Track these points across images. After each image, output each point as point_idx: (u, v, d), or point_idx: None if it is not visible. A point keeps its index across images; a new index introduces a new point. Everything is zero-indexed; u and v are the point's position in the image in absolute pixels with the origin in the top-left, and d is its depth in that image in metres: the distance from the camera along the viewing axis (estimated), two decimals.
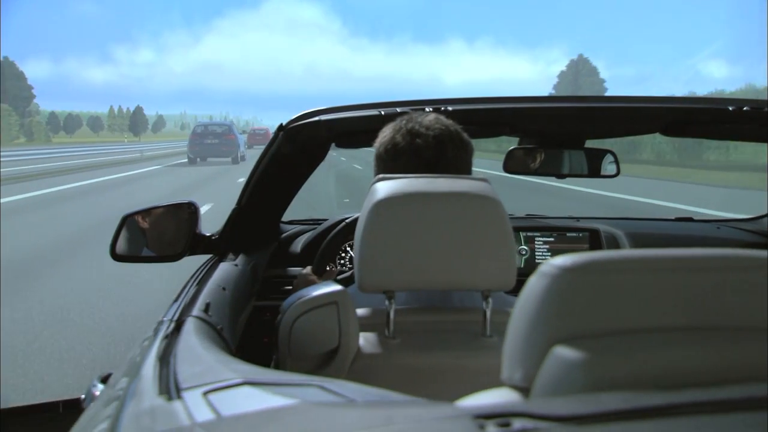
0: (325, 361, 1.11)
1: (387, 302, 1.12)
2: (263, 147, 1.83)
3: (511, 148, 1.92)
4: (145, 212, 1.78)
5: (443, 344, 1.14)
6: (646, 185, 15.68)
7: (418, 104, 1.58)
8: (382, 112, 1.56)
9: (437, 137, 1.26)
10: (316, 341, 1.10)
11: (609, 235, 2.22)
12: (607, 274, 0.60)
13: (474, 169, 1.32)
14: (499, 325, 1.04)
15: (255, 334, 1.82)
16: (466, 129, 1.33)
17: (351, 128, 1.65)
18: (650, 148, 27.44)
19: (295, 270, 2.04)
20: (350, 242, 2.10)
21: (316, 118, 1.63)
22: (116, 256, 1.72)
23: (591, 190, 13.55)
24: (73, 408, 1.66)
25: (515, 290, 0.88)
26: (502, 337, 0.66)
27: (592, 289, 0.59)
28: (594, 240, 2.20)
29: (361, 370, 1.10)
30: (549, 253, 2.20)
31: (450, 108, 1.57)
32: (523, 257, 2.19)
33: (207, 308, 1.18)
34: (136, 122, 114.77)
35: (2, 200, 12.38)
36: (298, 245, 2.14)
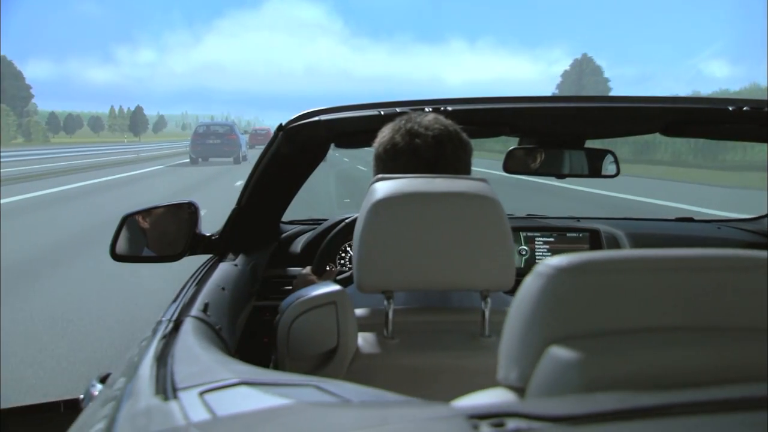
0: (324, 361, 1.11)
1: (386, 302, 1.12)
2: None
3: (511, 148, 1.92)
4: (145, 212, 1.78)
5: (442, 344, 1.14)
6: (664, 188, 15.41)
7: (418, 104, 1.58)
8: (382, 113, 1.55)
9: (436, 137, 1.26)
10: (315, 341, 1.10)
11: (609, 236, 2.22)
12: (602, 274, 0.60)
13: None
14: (497, 325, 1.04)
15: (255, 334, 1.82)
16: (466, 129, 1.33)
17: (350, 128, 1.65)
18: (664, 148, 26.70)
19: (295, 270, 2.04)
20: (350, 242, 2.10)
21: (316, 118, 1.63)
22: (116, 256, 1.72)
23: (608, 192, 13.30)
24: (73, 408, 1.66)
25: (514, 290, 0.88)
26: (500, 338, 0.66)
27: (588, 289, 0.59)
28: (594, 240, 2.20)
29: (360, 371, 1.10)
30: (549, 254, 2.19)
31: (449, 108, 1.57)
32: (523, 257, 2.19)
33: (206, 308, 1.18)
34: (136, 122, 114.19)
35: None
36: (298, 245, 2.14)
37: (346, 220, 1.95)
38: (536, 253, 2.20)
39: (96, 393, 1.07)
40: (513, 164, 1.93)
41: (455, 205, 1.08)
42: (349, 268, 2.10)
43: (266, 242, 2.05)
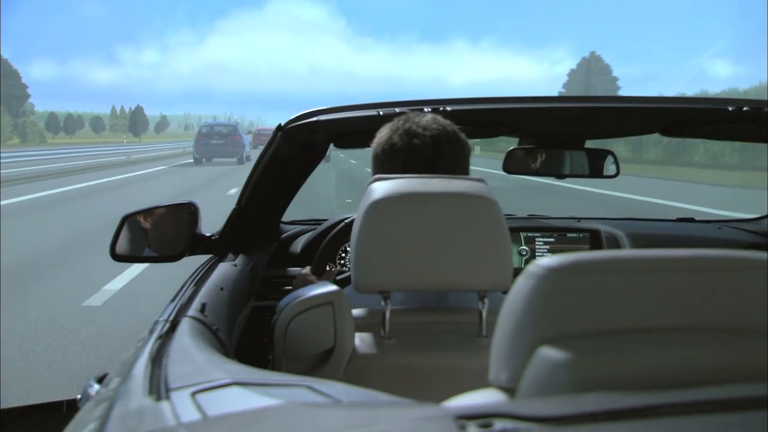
0: (321, 361, 1.11)
1: (383, 303, 1.12)
2: None
3: (511, 148, 1.92)
4: (145, 212, 1.78)
5: (439, 345, 1.14)
6: (707, 192, 14.40)
7: (416, 104, 1.58)
8: (381, 113, 1.56)
9: (434, 137, 1.27)
10: (312, 341, 1.10)
11: (610, 236, 2.21)
12: (593, 275, 0.60)
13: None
14: (495, 325, 1.04)
15: (254, 334, 1.83)
16: (465, 129, 1.33)
17: (349, 128, 1.66)
18: (704, 149, 25.01)
19: (294, 270, 2.04)
20: (350, 242, 2.10)
21: (315, 119, 1.63)
22: (116, 256, 1.72)
23: (648, 199, 12.72)
24: (75, 408, 1.66)
25: None
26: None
27: (578, 290, 0.59)
28: (594, 240, 2.19)
29: (357, 371, 1.11)
30: (549, 254, 2.19)
31: (448, 108, 1.57)
32: (524, 258, 2.19)
33: (203, 308, 1.19)
34: (136, 122, 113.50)
35: None
36: (298, 245, 2.14)
37: (346, 220, 1.95)
38: (536, 254, 2.20)
39: (93, 393, 1.07)
40: (513, 164, 1.93)
41: (452, 205, 1.08)
42: (350, 269, 2.10)
43: (266, 242, 2.05)
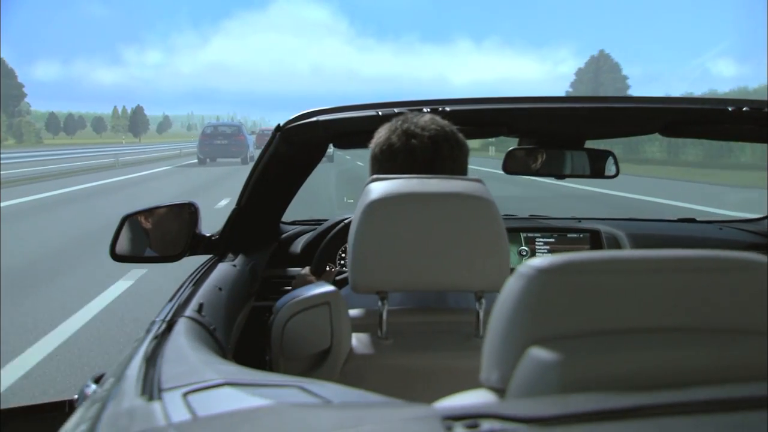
0: (318, 361, 1.11)
1: (380, 303, 1.12)
2: None
3: (511, 148, 1.91)
4: (146, 212, 1.78)
5: (436, 345, 1.14)
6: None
7: (416, 105, 1.58)
8: (380, 113, 1.55)
9: (432, 138, 1.27)
10: (309, 342, 1.11)
11: (610, 236, 2.21)
12: (583, 275, 0.60)
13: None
14: None
15: (254, 334, 1.83)
16: (464, 129, 1.33)
17: (349, 129, 1.65)
18: (751, 150, 21.66)
19: (294, 270, 2.04)
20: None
21: (314, 119, 1.63)
22: (116, 256, 1.73)
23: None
24: (72, 408, 1.66)
25: None
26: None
27: (568, 290, 0.59)
28: (595, 241, 2.19)
29: (354, 371, 1.11)
30: (549, 254, 2.19)
31: (447, 108, 1.57)
32: (524, 258, 2.19)
33: (200, 309, 1.19)
34: (136, 122, 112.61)
35: None
36: (298, 245, 2.14)
37: (346, 221, 1.95)
38: (537, 254, 2.20)
39: (89, 393, 1.07)
40: (513, 165, 1.93)
41: (450, 205, 1.08)
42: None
43: (266, 242, 2.05)
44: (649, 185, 15.71)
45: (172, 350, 0.91)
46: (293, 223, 2.29)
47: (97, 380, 1.08)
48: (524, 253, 2.19)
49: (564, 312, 0.58)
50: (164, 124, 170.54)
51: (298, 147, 1.73)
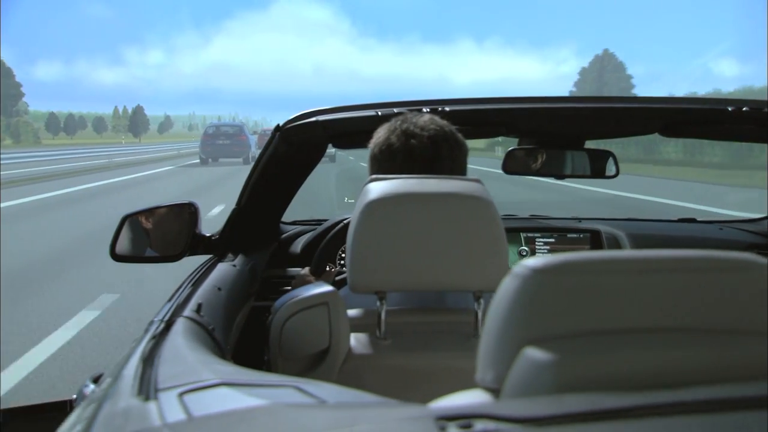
0: (316, 361, 1.11)
1: (378, 303, 1.12)
2: None
3: (510, 148, 1.91)
4: (146, 212, 1.78)
5: (434, 345, 1.14)
6: None
7: (415, 105, 1.58)
8: (379, 113, 1.56)
9: (432, 138, 1.27)
10: (307, 342, 1.11)
11: (610, 236, 2.21)
12: (578, 275, 0.60)
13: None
14: None
15: (254, 334, 1.83)
16: (463, 129, 1.33)
17: (348, 129, 1.66)
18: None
19: (294, 270, 2.04)
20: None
21: (313, 119, 1.63)
22: (116, 256, 1.73)
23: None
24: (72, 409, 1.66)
25: None
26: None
27: (563, 290, 0.59)
28: (595, 241, 2.19)
29: (352, 371, 1.11)
30: (549, 254, 2.19)
31: (447, 108, 1.57)
32: (524, 258, 2.19)
33: (199, 308, 1.19)
34: (135, 122, 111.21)
35: None
36: (298, 245, 2.14)
37: (345, 221, 1.95)
38: (537, 254, 2.19)
39: (88, 393, 1.07)
40: (512, 165, 1.93)
41: (448, 205, 1.08)
42: None
43: (266, 242, 2.05)
44: (678, 188, 15.30)
45: (170, 350, 0.91)
46: (293, 223, 2.29)
47: (96, 380, 1.08)
48: (524, 253, 2.18)
49: (559, 312, 0.58)
50: (165, 124, 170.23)
51: (297, 147, 1.73)
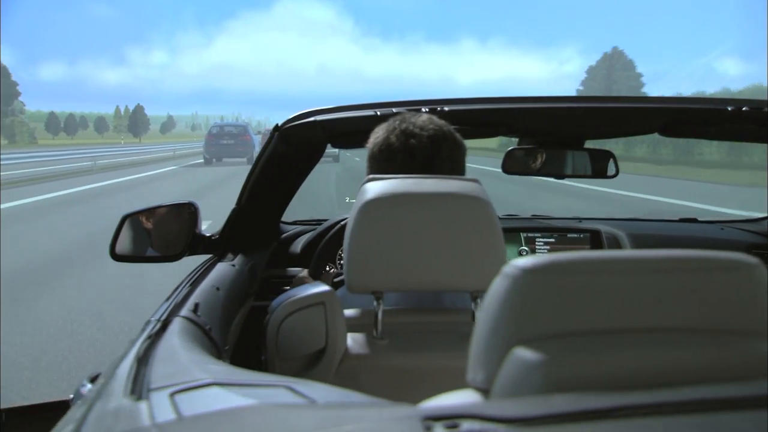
0: (313, 361, 1.11)
1: (375, 303, 1.12)
2: None
3: (510, 148, 1.91)
4: (146, 212, 1.78)
5: (431, 345, 1.14)
6: None
7: (414, 105, 1.58)
8: (378, 113, 1.55)
9: (431, 137, 1.26)
10: (304, 342, 1.11)
11: (610, 236, 2.20)
12: (568, 275, 0.59)
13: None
14: None
15: (253, 334, 1.83)
16: (463, 129, 1.32)
17: (347, 128, 1.65)
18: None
19: (294, 270, 2.04)
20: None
21: (312, 119, 1.63)
22: (116, 256, 1.73)
23: None
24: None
25: None
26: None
27: (553, 290, 0.59)
28: (595, 241, 2.19)
29: (349, 371, 1.11)
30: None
31: (446, 108, 1.57)
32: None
33: (196, 308, 1.19)
34: (135, 122, 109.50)
35: None
36: (298, 245, 2.14)
37: (345, 221, 1.95)
38: (537, 254, 2.19)
39: (85, 392, 1.08)
40: (512, 164, 1.92)
41: (445, 205, 1.08)
42: None
43: (266, 242, 2.05)
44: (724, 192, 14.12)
45: (165, 350, 0.91)
46: (294, 222, 2.29)
47: (93, 380, 1.08)
48: (524, 253, 2.18)
49: (549, 312, 0.58)
50: (168, 124, 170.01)
51: (296, 147, 1.73)
